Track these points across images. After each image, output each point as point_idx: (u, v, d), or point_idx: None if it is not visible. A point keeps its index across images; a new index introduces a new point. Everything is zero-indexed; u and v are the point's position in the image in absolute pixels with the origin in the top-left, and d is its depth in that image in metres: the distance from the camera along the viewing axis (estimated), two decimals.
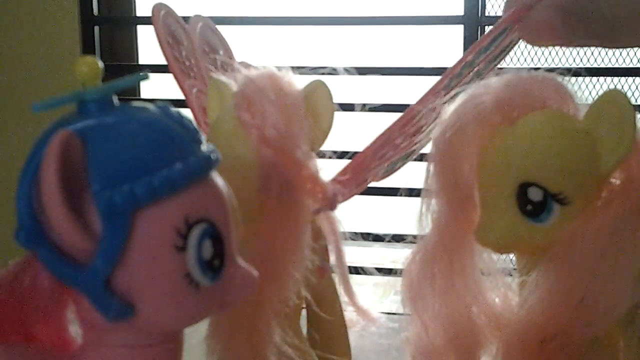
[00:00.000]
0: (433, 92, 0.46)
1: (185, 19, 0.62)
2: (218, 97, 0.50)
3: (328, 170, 0.49)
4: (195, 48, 0.61)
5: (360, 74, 0.54)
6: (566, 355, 0.41)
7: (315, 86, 0.49)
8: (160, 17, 0.58)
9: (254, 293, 0.34)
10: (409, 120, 0.49)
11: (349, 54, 1.15)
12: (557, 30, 0.42)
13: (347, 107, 0.52)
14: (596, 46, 0.48)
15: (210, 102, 0.52)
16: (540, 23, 0.43)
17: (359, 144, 0.53)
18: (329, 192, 0.47)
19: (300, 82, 0.49)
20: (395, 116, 0.48)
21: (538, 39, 0.44)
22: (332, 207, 0.48)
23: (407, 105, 0.47)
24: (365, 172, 0.51)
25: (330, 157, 0.52)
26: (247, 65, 0.66)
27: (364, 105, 0.61)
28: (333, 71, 0.53)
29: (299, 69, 0.51)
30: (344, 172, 0.50)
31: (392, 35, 1.09)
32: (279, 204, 0.46)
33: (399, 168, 0.55)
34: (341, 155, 0.54)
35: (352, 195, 0.51)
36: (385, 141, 0.50)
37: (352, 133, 0.50)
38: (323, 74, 0.52)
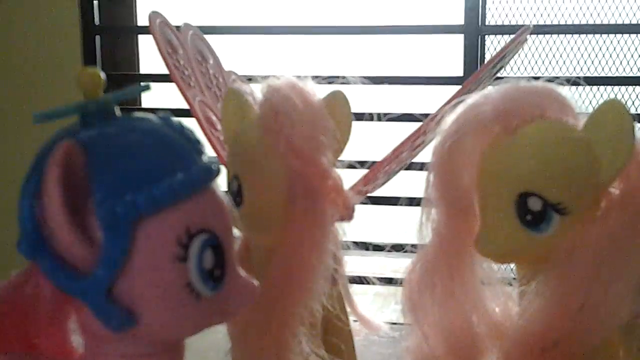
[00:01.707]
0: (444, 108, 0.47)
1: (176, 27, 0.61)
2: (237, 108, 0.50)
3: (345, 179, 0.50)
4: (190, 57, 0.60)
5: (362, 83, 0.54)
6: None
7: (334, 96, 0.49)
8: (157, 26, 0.58)
9: (253, 302, 0.34)
10: (417, 137, 0.49)
11: (349, 64, 1.15)
12: None
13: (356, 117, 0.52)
14: None
15: (228, 113, 0.51)
16: None
17: (362, 153, 0.53)
18: (350, 202, 0.48)
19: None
20: (399, 125, 0.49)
21: None
22: (351, 217, 0.49)
23: (410, 115, 0.48)
24: (371, 184, 0.52)
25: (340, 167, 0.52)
26: (236, 75, 0.66)
27: (372, 114, 0.62)
28: (333, 80, 0.53)
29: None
30: (363, 182, 0.51)
31: (392, 44, 1.09)
32: (305, 214, 0.46)
33: (393, 177, 0.55)
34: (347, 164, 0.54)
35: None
36: (394, 156, 0.50)
37: (357, 142, 0.51)
38: (331, 82, 0.53)
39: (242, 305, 0.33)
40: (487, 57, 1.01)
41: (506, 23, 1.03)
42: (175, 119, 0.33)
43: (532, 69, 1.02)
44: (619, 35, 1.00)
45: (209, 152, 0.34)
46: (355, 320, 0.56)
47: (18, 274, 0.31)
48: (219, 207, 0.32)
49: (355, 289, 0.56)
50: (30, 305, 0.31)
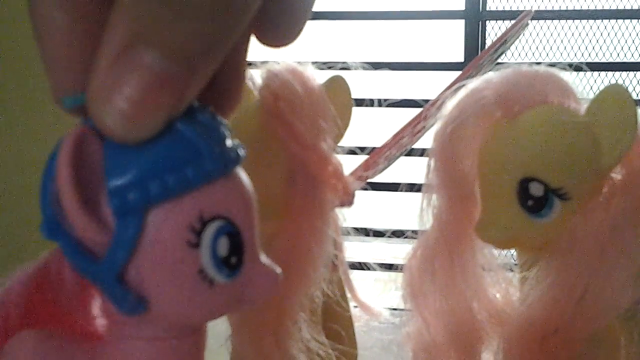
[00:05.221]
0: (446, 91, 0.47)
1: None
2: None
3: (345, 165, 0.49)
4: None
5: (362, 68, 0.54)
6: (567, 351, 0.41)
7: (335, 81, 0.49)
8: None
9: (277, 291, 0.34)
10: (418, 122, 0.49)
11: (349, 49, 1.15)
12: None
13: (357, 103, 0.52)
14: None
15: None
16: None
17: (362, 139, 0.53)
18: (351, 188, 0.48)
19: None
20: (400, 111, 0.49)
21: None
22: (351, 203, 0.48)
23: (411, 100, 0.48)
24: (372, 170, 0.52)
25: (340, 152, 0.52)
26: None
27: (372, 100, 0.61)
28: (330, 65, 0.53)
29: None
30: (364, 167, 0.51)
31: (393, 30, 1.09)
32: (305, 200, 0.46)
33: (393, 162, 0.55)
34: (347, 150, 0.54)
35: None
36: (395, 142, 0.50)
37: (357, 128, 0.51)
38: (331, 68, 0.52)
39: (261, 293, 0.33)
40: (488, 42, 1.01)
41: (507, 8, 1.02)
42: (196, 104, 0.33)
43: (534, 54, 1.02)
44: (620, 21, 1.00)
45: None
46: (355, 306, 0.56)
47: (46, 254, 0.31)
48: (238, 194, 0.32)
49: (355, 275, 0.56)
50: (55, 285, 0.31)
